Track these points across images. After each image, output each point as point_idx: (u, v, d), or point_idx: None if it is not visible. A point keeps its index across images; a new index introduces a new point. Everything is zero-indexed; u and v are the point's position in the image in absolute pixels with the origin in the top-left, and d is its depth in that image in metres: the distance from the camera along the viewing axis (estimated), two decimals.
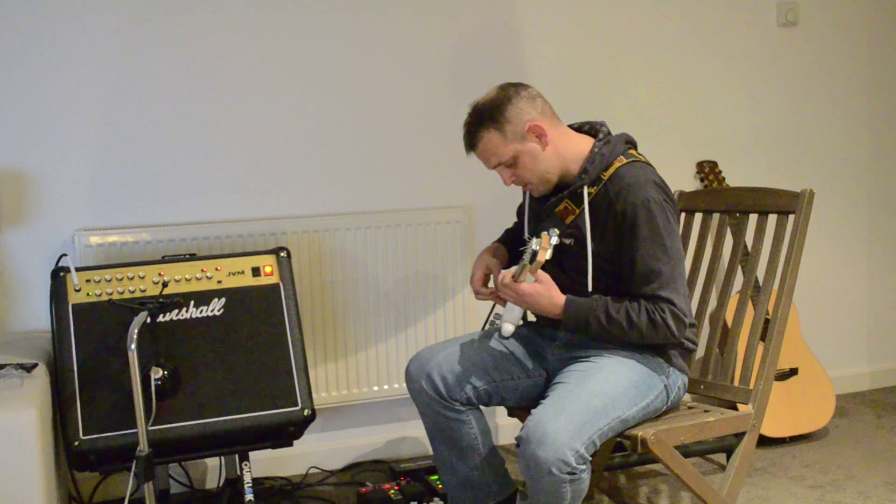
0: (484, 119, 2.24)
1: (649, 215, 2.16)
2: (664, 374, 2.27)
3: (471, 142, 2.29)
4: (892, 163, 3.86)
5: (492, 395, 2.37)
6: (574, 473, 2.02)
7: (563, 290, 2.23)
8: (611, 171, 2.23)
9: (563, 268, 2.30)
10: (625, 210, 2.18)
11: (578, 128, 2.38)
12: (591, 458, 2.08)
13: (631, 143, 2.35)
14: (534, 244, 2.11)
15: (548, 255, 2.10)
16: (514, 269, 2.22)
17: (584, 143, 2.30)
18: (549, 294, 2.20)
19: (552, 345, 2.39)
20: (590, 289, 2.25)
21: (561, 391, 2.14)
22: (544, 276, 2.21)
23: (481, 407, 2.40)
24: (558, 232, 2.16)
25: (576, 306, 2.20)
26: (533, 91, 2.30)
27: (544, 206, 2.33)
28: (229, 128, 2.97)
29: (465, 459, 2.37)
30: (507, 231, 2.62)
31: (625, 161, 2.25)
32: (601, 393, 2.13)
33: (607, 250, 2.23)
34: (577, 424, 2.04)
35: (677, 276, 2.19)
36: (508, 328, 2.28)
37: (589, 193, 2.24)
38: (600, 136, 2.31)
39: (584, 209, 2.24)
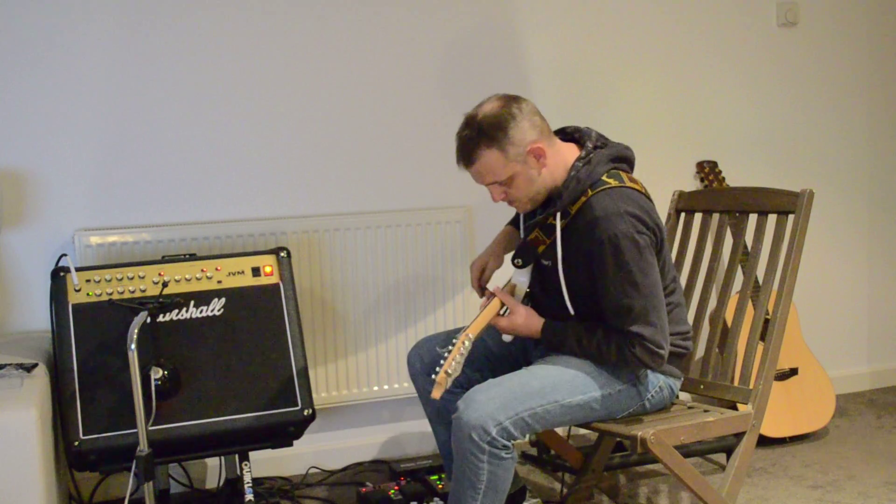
0: (485, 136, 2.14)
1: (616, 251, 2.12)
2: (635, 374, 2.26)
3: (468, 157, 2.18)
4: (892, 163, 3.85)
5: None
6: (495, 447, 2.05)
7: (548, 311, 2.28)
8: (579, 203, 2.19)
9: (545, 289, 2.32)
10: (591, 248, 2.16)
11: (566, 133, 2.33)
12: (523, 440, 2.10)
13: (619, 160, 2.26)
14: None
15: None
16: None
17: (571, 156, 2.24)
18: (526, 324, 2.27)
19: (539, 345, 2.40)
20: (571, 312, 2.26)
21: (509, 374, 2.20)
22: (521, 309, 2.27)
23: None
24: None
25: (551, 334, 2.25)
26: (531, 106, 2.20)
27: (526, 223, 2.33)
28: (229, 128, 2.97)
29: None
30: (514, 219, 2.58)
31: (597, 190, 2.18)
32: (542, 377, 2.18)
33: (580, 280, 2.22)
34: (507, 398, 2.09)
35: (650, 308, 2.15)
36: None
37: (561, 224, 2.22)
38: (584, 150, 2.24)
39: (555, 239, 2.23)
